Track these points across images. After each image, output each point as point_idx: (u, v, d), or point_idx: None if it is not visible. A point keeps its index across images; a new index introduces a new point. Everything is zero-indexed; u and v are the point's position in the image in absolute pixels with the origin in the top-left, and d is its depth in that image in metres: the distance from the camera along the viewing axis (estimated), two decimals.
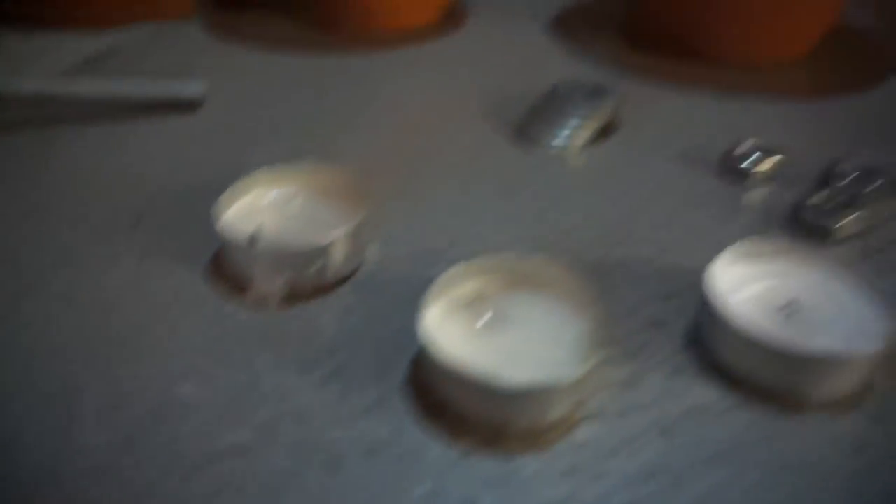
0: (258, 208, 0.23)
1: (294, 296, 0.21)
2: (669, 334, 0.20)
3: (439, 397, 0.17)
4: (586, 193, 0.26)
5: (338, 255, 0.20)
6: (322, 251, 0.20)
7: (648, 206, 0.25)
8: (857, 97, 0.34)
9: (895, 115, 0.33)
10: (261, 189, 0.23)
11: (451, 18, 0.44)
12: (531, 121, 0.30)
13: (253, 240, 0.21)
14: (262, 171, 0.23)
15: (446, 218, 0.24)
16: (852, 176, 0.25)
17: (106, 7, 0.41)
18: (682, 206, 0.25)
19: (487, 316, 0.18)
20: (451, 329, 0.18)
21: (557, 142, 0.29)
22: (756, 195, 0.26)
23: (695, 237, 0.24)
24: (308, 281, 0.21)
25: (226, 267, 0.22)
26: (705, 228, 0.24)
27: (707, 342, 0.19)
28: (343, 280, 0.21)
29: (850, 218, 0.23)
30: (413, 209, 0.25)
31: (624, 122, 0.31)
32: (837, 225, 0.23)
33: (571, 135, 0.29)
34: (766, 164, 0.27)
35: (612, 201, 0.26)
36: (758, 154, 0.27)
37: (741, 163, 0.27)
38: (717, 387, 0.18)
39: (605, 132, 0.30)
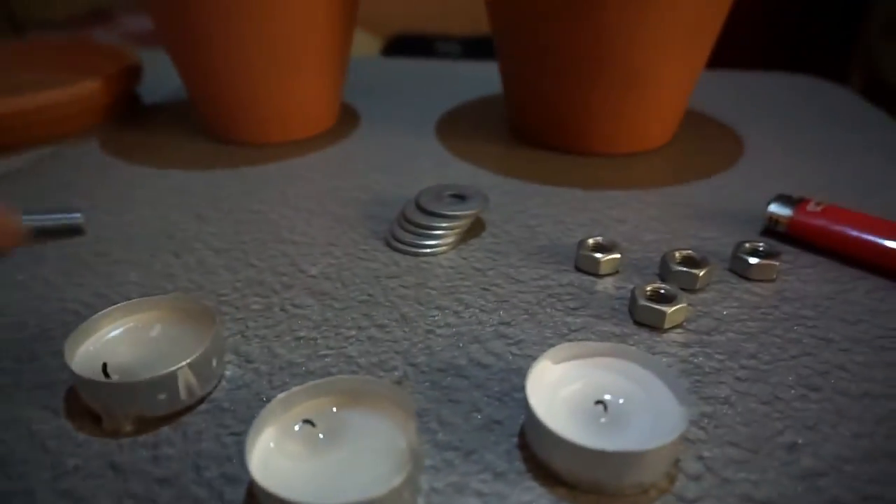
0: (114, 339, 0.23)
1: (145, 423, 0.21)
2: (502, 434, 0.21)
3: None
4: (446, 297, 0.28)
5: (186, 382, 0.21)
6: (170, 378, 0.21)
7: (502, 305, 0.27)
8: (705, 182, 0.38)
9: (738, 199, 0.36)
10: (120, 320, 0.24)
11: (344, 125, 0.47)
12: (398, 228, 0.32)
13: (103, 373, 0.21)
14: (121, 304, 0.24)
15: (309, 330, 0.26)
16: (682, 268, 0.28)
17: (7, 134, 0.42)
18: (534, 303, 0.27)
19: (318, 436, 0.19)
20: (283, 452, 0.19)
21: (423, 248, 0.31)
22: (603, 287, 0.28)
23: (543, 333, 0.26)
24: (160, 409, 0.21)
25: (80, 399, 0.22)
26: (555, 323, 0.26)
27: (531, 442, 0.20)
28: (199, 402, 0.22)
29: (677, 307, 0.25)
30: (274, 327, 0.26)
31: (490, 222, 0.34)
32: (668, 312, 0.25)
33: (436, 240, 0.31)
34: (613, 256, 0.29)
35: (468, 303, 0.27)
36: (605, 247, 0.30)
37: (592, 255, 0.29)
38: (540, 486, 0.19)
39: (470, 233, 0.32)
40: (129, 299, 0.25)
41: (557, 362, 0.22)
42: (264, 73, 0.40)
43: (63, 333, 0.25)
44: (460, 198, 0.33)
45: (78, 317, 0.26)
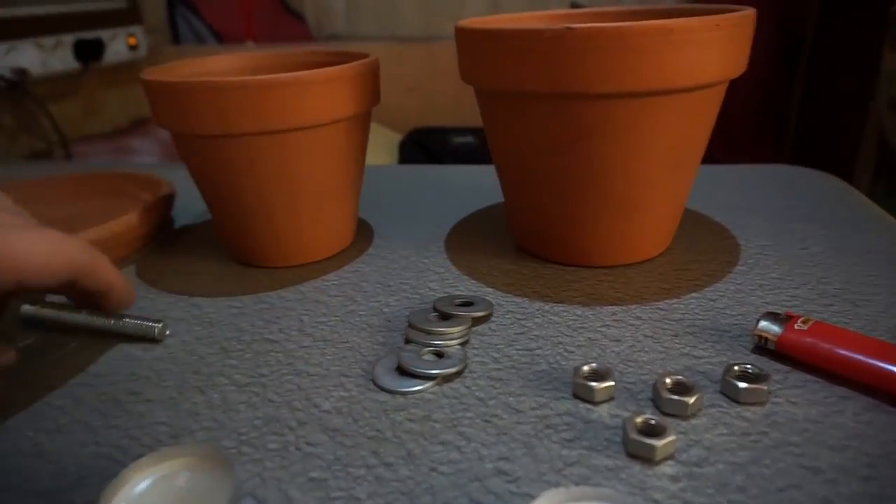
0: (143, 492, 0.25)
1: None
2: None
3: None
4: (449, 431, 0.29)
5: None
6: None
7: (501, 438, 0.29)
8: (699, 295, 0.40)
9: (731, 312, 0.38)
10: (147, 470, 0.26)
11: (359, 242, 0.50)
12: (386, 369, 0.34)
13: None
14: (147, 457, 0.26)
15: (322, 471, 0.28)
16: (674, 396, 0.29)
17: None
18: (532, 434, 0.29)
19: None
20: None
21: (415, 387, 0.32)
22: (598, 416, 0.30)
23: (540, 468, 0.27)
24: None
25: None
26: (551, 457, 0.28)
27: None
28: None
29: (666, 440, 0.27)
30: (289, 468, 0.28)
31: (494, 346, 0.36)
32: (658, 446, 0.27)
33: (429, 377, 0.33)
34: (607, 384, 0.31)
35: (470, 437, 0.29)
36: (600, 373, 0.31)
37: (588, 384, 0.31)
38: None
39: (476, 356, 0.34)
40: (158, 441, 0.27)
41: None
42: (285, 210, 0.44)
43: (99, 481, 0.27)
44: (445, 318, 0.36)
45: (112, 462, 0.29)
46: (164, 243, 0.52)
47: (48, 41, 1.54)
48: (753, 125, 1.80)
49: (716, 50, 0.36)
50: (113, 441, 0.30)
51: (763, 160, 0.66)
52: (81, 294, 0.35)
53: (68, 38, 1.59)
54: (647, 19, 0.43)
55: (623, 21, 0.46)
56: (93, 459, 0.29)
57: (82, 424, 0.31)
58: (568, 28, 0.35)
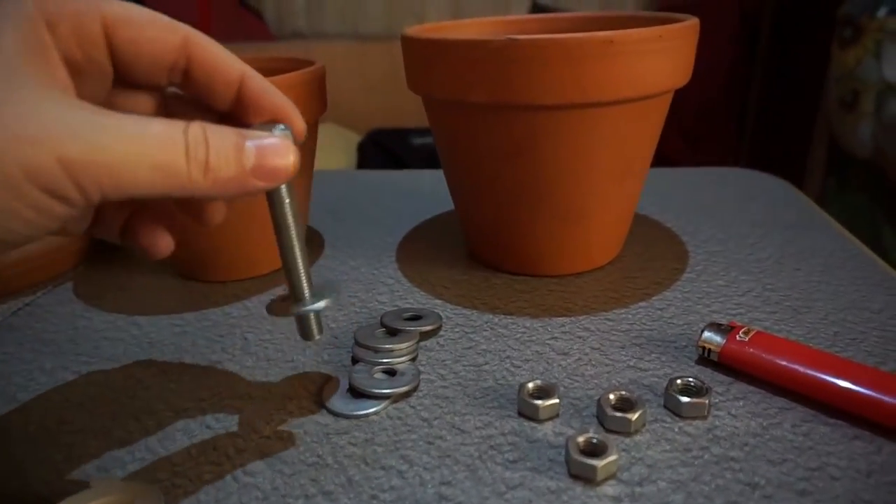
0: None
1: None
2: None
3: None
4: (391, 455, 0.29)
5: None
6: None
7: (444, 461, 0.28)
8: (646, 304, 0.40)
9: (677, 322, 0.38)
10: None
11: (309, 254, 0.49)
12: (332, 392, 0.33)
13: None
14: (69, 499, 0.25)
15: (259, 502, 0.27)
16: (617, 413, 0.29)
17: None
18: (476, 456, 0.28)
19: None
20: None
21: (370, 409, 0.32)
22: (543, 434, 0.30)
23: (482, 492, 0.27)
24: None
25: None
26: (494, 480, 0.27)
27: None
28: None
29: (607, 460, 0.27)
30: (224, 501, 0.27)
31: (441, 362, 0.35)
32: (598, 466, 0.26)
33: (384, 397, 0.32)
34: (552, 402, 0.30)
35: (412, 461, 0.28)
36: (545, 390, 0.31)
37: (532, 402, 0.30)
38: None
39: (422, 375, 0.34)
40: (86, 475, 0.26)
41: None
42: (229, 221, 0.43)
43: None
44: (392, 333, 0.36)
45: (39, 500, 0.27)
46: (102, 258, 0.51)
47: None
48: (716, 123, 1.83)
49: (659, 61, 0.36)
50: (41, 475, 0.29)
51: (725, 158, 0.67)
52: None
53: None
54: (602, 27, 0.43)
55: (578, 29, 0.46)
56: (21, 500, 0.28)
57: (8, 458, 0.30)
58: (511, 39, 0.35)
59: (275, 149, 0.24)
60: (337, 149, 1.40)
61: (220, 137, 0.22)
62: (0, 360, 0.37)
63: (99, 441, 0.31)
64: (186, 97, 0.27)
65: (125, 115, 0.21)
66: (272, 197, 0.26)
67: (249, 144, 0.23)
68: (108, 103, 0.25)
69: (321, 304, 0.28)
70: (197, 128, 0.22)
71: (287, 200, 0.26)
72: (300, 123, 0.27)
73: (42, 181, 0.19)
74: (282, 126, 0.26)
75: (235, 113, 0.27)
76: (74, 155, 0.19)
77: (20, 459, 0.30)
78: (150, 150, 0.21)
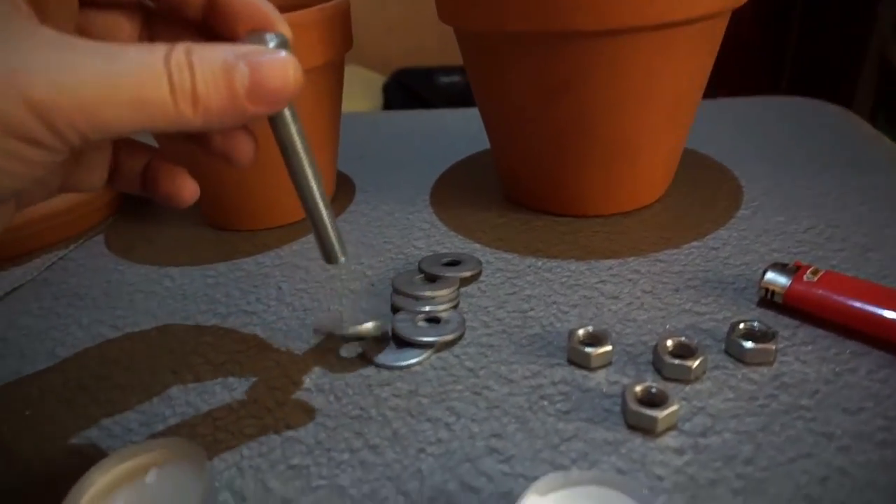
0: (111, 494, 0.24)
1: None
2: None
3: None
4: (437, 406, 0.28)
5: None
6: None
7: (493, 412, 0.27)
8: (700, 244, 0.37)
9: (734, 262, 0.36)
10: (114, 469, 0.24)
11: (339, 198, 0.47)
12: (373, 346, 0.31)
13: None
14: (114, 454, 0.24)
15: (303, 457, 0.26)
16: (675, 360, 0.27)
17: (16, 245, 0.43)
18: (526, 407, 0.27)
19: None
20: None
21: (415, 358, 0.30)
22: (596, 383, 0.28)
23: (534, 445, 0.25)
24: None
25: None
26: (546, 432, 0.26)
27: None
28: None
29: (668, 411, 0.25)
30: (268, 455, 0.26)
31: (483, 309, 0.33)
32: (659, 417, 0.25)
33: (428, 345, 0.31)
34: (605, 349, 0.29)
35: (460, 412, 0.27)
36: (597, 337, 0.29)
37: (583, 350, 0.29)
38: None
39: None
40: (129, 430, 0.25)
41: (544, 494, 0.22)
42: (257, 166, 0.41)
43: (66, 480, 0.26)
44: (431, 280, 0.34)
45: (82, 458, 0.27)
46: (132, 210, 0.50)
47: None
48: (748, 55, 1.73)
49: None
50: (81, 431, 0.28)
51: (758, 92, 0.63)
52: None
53: None
54: None
55: None
56: (62, 457, 0.27)
57: (49, 418, 0.29)
58: None
59: (271, 65, 0.20)
60: (360, 91, 1.36)
61: (207, 60, 0.19)
62: (38, 315, 0.37)
63: (139, 396, 0.30)
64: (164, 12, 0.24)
65: (96, 45, 0.18)
66: (274, 120, 0.23)
67: (241, 64, 0.20)
68: (81, 28, 0.23)
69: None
70: (180, 53, 0.19)
71: (292, 122, 0.24)
72: (287, 32, 0.23)
73: (11, 128, 0.17)
74: (274, 36, 0.22)
75: (211, 25, 0.23)
76: (42, 96, 0.17)
77: (61, 419, 0.29)
78: (125, 84, 0.18)
